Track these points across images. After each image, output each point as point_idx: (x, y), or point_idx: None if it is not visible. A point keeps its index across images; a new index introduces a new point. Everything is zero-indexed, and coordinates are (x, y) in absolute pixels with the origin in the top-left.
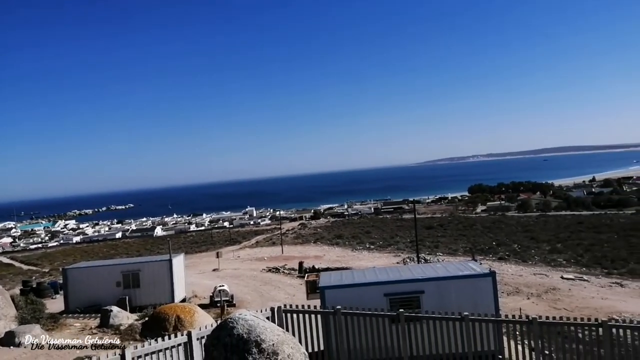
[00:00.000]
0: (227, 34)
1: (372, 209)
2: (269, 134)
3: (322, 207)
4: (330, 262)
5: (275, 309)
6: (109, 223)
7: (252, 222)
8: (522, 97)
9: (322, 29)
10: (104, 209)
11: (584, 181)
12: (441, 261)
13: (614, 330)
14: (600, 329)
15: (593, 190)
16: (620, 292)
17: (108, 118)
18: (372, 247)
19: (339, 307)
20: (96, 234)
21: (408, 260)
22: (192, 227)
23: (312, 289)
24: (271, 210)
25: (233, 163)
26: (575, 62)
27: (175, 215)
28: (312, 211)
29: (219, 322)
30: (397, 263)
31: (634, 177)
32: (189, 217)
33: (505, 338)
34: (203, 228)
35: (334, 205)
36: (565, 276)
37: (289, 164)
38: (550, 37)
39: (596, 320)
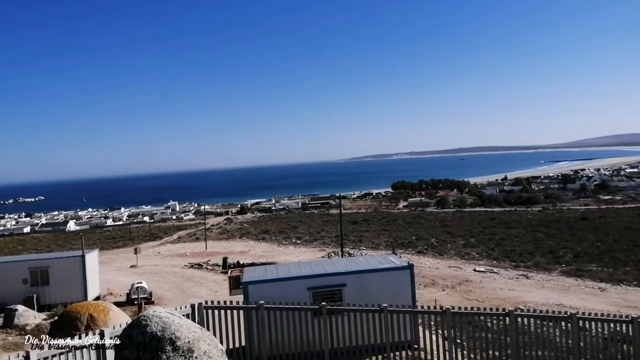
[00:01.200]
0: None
1: (300, 204)
2: (193, 125)
3: (249, 202)
4: (256, 257)
5: (196, 306)
6: (16, 217)
7: (174, 217)
8: (442, 99)
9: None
10: (10, 201)
11: (496, 179)
12: (364, 255)
13: (519, 319)
14: (507, 318)
15: (505, 188)
16: (526, 284)
17: (14, 103)
18: (298, 242)
19: (261, 302)
20: (1, 228)
21: (333, 254)
22: (109, 222)
23: (236, 284)
24: (195, 204)
25: (155, 155)
26: (487, 68)
27: (90, 209)
28: (239, 206)
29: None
30: (322, 257)
31: (542, 177)
32: (106, 211)
33: (421, 328)
34: (121, 223)
35: (262, 200)
36: (477, 269)
37: (216, 157)
38: (465, 44)
39: (503, 310)
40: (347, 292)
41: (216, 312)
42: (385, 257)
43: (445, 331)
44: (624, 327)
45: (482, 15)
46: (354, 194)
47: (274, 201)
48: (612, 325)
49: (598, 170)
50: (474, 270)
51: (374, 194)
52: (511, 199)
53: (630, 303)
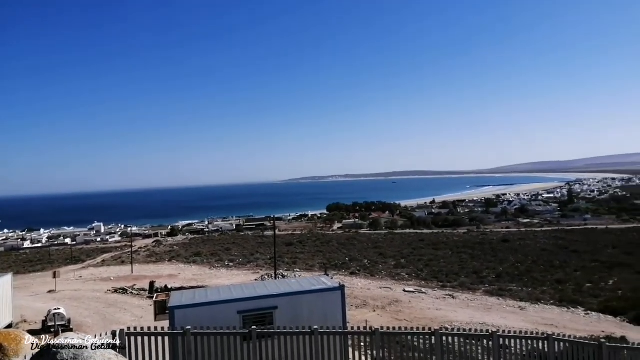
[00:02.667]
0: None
1: (234, 225)
2: (118, 142)
3: (181, 224)
4: (186, 280)
5: (118, 332)
6: None
7: (99, 239)
8: (374, 124)
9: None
10: None
11: (425, 202)
12: (297, 277)
13: (444, 338)
14: (433, 337)
15: (433, 211)
16: (452, 303)
17: None
18: (231, 264)
19: (188, 327)
20: None
21: (266, 276)
22: (27, 244)
23: (161, 309)
24: (122, 226)
25: (78, 173)
26: (418, 96)
27: (6, 230)
28: (169, 227)
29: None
30: (256, 280)
31: (467, 200)
32: (23, 233)
33: (351, 349)
34: (40, 245)
35: (194, 221)
36: (407, 289)
37: (145, 177)
38: (397, 75)
39: (430, 329)
40: (278, 315)
41: (139, 338)
42: (317, 278)
43: (375, 352)
44: (540, 344)
45: (410, 42)
46: (289, 216)
47: (206, 223)
48: (530, 342)
49: (518, 195)
50: (404, 290)
51: (310, 216)
52: (439, 222)
53: (547, 321)
